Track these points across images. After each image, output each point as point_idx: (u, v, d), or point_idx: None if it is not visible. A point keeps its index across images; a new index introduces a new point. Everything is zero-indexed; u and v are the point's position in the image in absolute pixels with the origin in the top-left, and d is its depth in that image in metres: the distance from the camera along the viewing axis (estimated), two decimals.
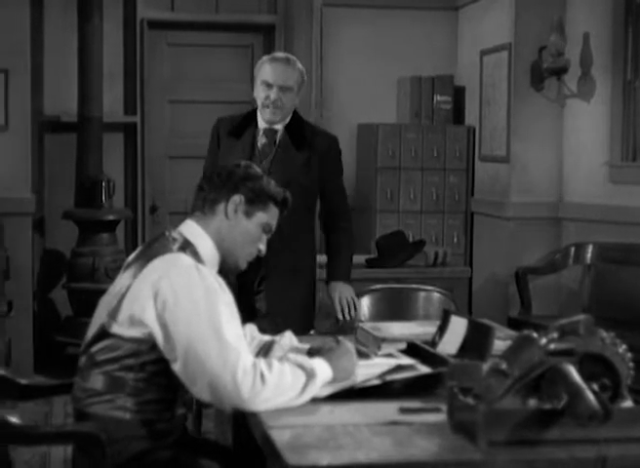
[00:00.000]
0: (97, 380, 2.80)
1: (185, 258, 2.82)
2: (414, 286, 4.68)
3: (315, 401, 2.72)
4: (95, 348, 2.82)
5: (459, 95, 7.55)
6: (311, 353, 2.95)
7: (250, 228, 3.01)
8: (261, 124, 4.32)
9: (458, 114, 7.55)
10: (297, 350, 3.07)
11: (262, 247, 3.07)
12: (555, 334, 2.48)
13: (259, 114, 4.33)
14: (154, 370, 2.78)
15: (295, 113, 4.35)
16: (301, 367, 2.72)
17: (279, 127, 4.31)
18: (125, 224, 7.30)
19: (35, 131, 6.87)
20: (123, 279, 2.87)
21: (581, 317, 2.54)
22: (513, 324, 5.75)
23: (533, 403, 2.41)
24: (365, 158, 7.37)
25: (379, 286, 4.58)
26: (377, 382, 2.83)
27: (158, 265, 2.79)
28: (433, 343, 3.21)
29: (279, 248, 3.94)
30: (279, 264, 4.16)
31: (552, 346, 2.45)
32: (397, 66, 7.52)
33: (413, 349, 3.20)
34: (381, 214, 7.23)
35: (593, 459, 2.31)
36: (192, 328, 2.68)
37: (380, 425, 2.52)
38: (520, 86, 6.75)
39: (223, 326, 2.68)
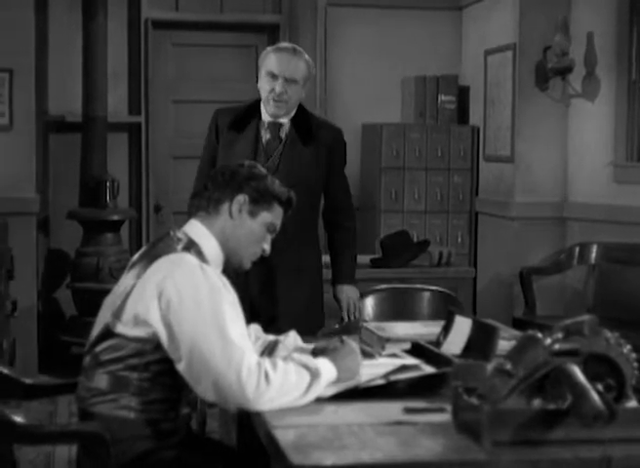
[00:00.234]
0: (101, 380, 2.81)
1: (190, 258, 2.82)
2: (418, 286, 4.67)
3: (319, 401, 2.72)
4: (99, 348, 2.82)
5: (463, 94, 7.55)
6: (315, 353, 2.95)
7: (254, 228, 3.00)
8: (265, 117, 4.15)
9: (462, 114, 7.55)
10: (301, 350, 3.06)
11: (267, 246, 3.07)
12: (560, 335, 2.48)
13: (262, 106, 4.17)
14: (158, 369, 2.78)
15: (300, 106, 4.19)
16: (306, 366, 2.71)
17: (284, 120, 4.15)
18: (129, 224, 7.31)
19: (40, 130, 6.87)
20: (127, 279, 2.87)
21: (586, 317, 2.54)
22: (518, 324, 5.75)
23: (537, 403, 2.41)
24: (369, 158, 7.37)
25: (383, 286, 4.57)
26: (381, 382, 2.83)
27: (162, 265, 2.79)
28: (438, 343, 3.21)
29: (283, 247, 3.92)
30: (282, 264, 4.09)
31: (557, 346, 2.44)
32: (401, 66, 7.52)
33: (417, 349, 3.19)
34: (386, 213, 7.22)
35: (598, 459, 2.31)
36: (197, 327, 2.68)
37: (384, 425, 2.52)
38: (524, 86, 6.75)
39: (228, 325, 2.68)
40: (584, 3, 6.61)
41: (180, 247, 2.87)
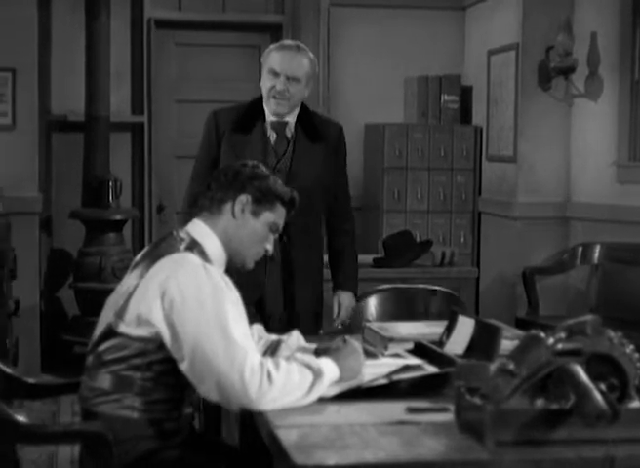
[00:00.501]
0: (104, 380, 2.81)
1: (193, 258, 2.82)
2: (421, 286, 4.67)
3: (322, 400, 2.72)
4: (102, 347, 2.82)
5: (466, 94, 7.54)
6: (318, 353, 2.95)
7: (257, 228, 3.00)
8: (269, 116, 4.06)
9: (465, 114, 7.54)
10: (304, 350, 3.06)
11: (270, 246, 3.07)
12: (563, 334, 2.48)
13: (264, 105, 4.08)
14: (161, 369, 2.78)
15: (301, 104, 4.10)
16: (309, 366, 2.71)
17: (289, 119, 4.07)
18: (132, 224, 7.31)
19: (42, 130, 6.87)
20: (130, 278, 2.87)
21: (589, 317, 2.54)
22: (520, 324, 5.75)
23: (540, 403, 2.41)
24: (372, 158, 7.37)
25: (386, 286, 4.57)
26: (384, 382, 2.83)
27: (165, 265, 2.79)
28: (440, 343, 3.21)
29: (303, 248, 4.00)
30: (298, 265, 4.06)
31: (560, 346, 2.44)
32: (404, 66, 7.52)
33: (420, 349, 3.19)
34: (388, 213, 7.22)
35: (601, 459, 2.31)
36: (199, 327, 2.68)
37: (387, 425, 2.52)
38: (527, 85, 6.75)
39: (231, 325, 2.68)
40: (588, 3, 6.60)
41: (182, 246, 2.87)
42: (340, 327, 4.22)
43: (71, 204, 6.93)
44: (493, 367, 2.61)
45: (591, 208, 6.60)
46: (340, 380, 2.78)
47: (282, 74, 3.97)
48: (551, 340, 2.45)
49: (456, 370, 2.89)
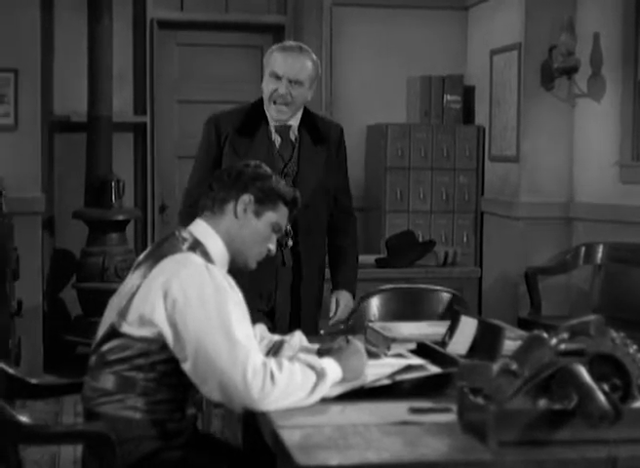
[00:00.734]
0: (107, 380, 2.81)
1: (195, 258, 2.82)
2: (423, 286, 4.67)
3: (325, 401, 2.72)
4: (105, 348, 2.82)
5: (468, 94, 7.54)
6: (321, 353, 2.95)
7: (259, 228, 3.00)
8: (271, 120, 3.97)
9: (467, 114, 7.54)
10: (306, 350, 3.06)
11: (272, 246, 3.07)
12: (565, 335, 2.48)
13: (266, 109, 3.99)
14: (164, 369, 2.78)
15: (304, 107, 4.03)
16: (312, 366, 2.71)
17: (292, 122, 3.98)
18: (135, 224, 7.31)
19: (45, 130, 6.87)
20: (133, 279, 2.87)
21: (592, 317, 2.53)
22: (523, 324, 5.75)
23: (543, 403, 2.40)
24: (374, 158, 7.36)
25: (388, 286, 4.57)
26: (386, 382, 2.83)
27: (168, 265, 2.79)
28: (443, 343, 3.21)
29: (311, 250, 3.97)
30: (308, 267, 4.01)
31: (562, 346, 2.44)
32: (407, 66, 7.52)
33: (423, 349, 3.19)
34: (391, 213, 7.22)
35: (604, 460, 2.30)
36: (202, 327, 2.68)
37: (390, 425, 2.52)
38: (530, 85, 6.74)
39: (234, 325, 2.68)
40: (590, 3, 6.60)
41: (185, 247, 2.87)
42: (332, 324, 4.19)
43: (74, 204, 6.94)
44: (495, 367, 2.61)
45: (594, 208, 6.59)
46: (343, 381, 2.78)
47: (284, 77, 3.88)
48: (554, 341, 2.45)
49: (458, 370, 2.89)
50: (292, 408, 2.64)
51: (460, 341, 3.15)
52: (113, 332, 2.81)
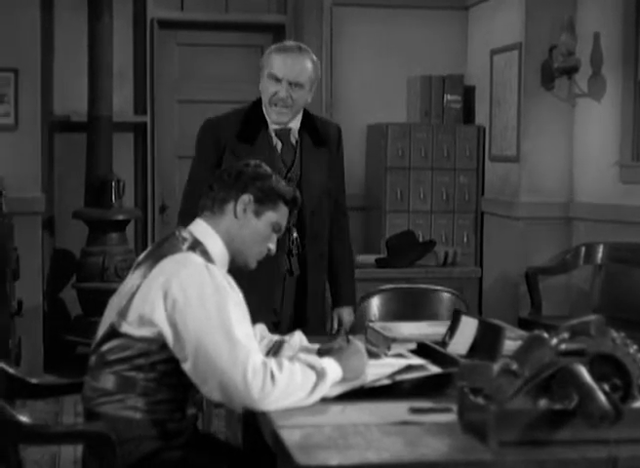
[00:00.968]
0: (107, 380, 2.81)
1: (195, 258, 2.82)
2: (424, 286, 4.67)
3: (325, 401, 2.72)
4: (105, 348, 2.82)
5: (469, 94, 7.54)
6: (321, 353, 2.95)
7: (259, 228, 3.00)
8: (271, 124, 3.86)
9: (468, 114, 7.54)
10: (306, 350, 3.06)
11: (272, 246, 3.06)
12: (566, 335, 2.48)
13: (265, 112, 3.87)
14: (165, 369, 2.78)
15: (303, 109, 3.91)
16: (312, 366, 2.71)
17: (292, 125, 3.87)
18: (135, 224, 7.31)
19: (45, 130, 6.87)
20: (133, 278, 2.87)
21: (592, 317, 2.53)
22: (523, 324, 5.74)
23: (543, 403, 2.40)
24: (374, 158, 7.36)
25: (388, 286, 4.56)
26: (387, 382, 2.83)
27: (168, 265, 2.79)
28: (443, 343, 3.21)
29: (317, 254, 3.89)
30: (313, 272, 3.91)
31: (563, 346, 2.44)
32: (407, 66, 7.51)
33: (423, 349, 3.19)
34: (391, 213, 7.22)
35: (604, 460, 2.30)
36: (202, 327, 2.68)
37: (390, 425, 2.51)
38: (530, 85, 6.74)
39: (234, 325, 2.68)
40: (591, 2, 6.60)
41: (185, 246, 2.87)
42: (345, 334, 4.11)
43: (74, 204, 6.94)
44: (496, 367, 2.61)
45: (594, 208, 6.59)
46: (343, 381, 2.78)
47: (284, 80, 3.76)
48: (554, 341, 2.45)
49: (459, 370, 2.89)
50: (292, 407, 2.64)
51: (461, 341, 3.15)
52: (113, 332, 2.81)
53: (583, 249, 6.47)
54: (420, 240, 6.54)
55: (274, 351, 3.12)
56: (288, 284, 3.90)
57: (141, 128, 7.34)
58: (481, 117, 7.45)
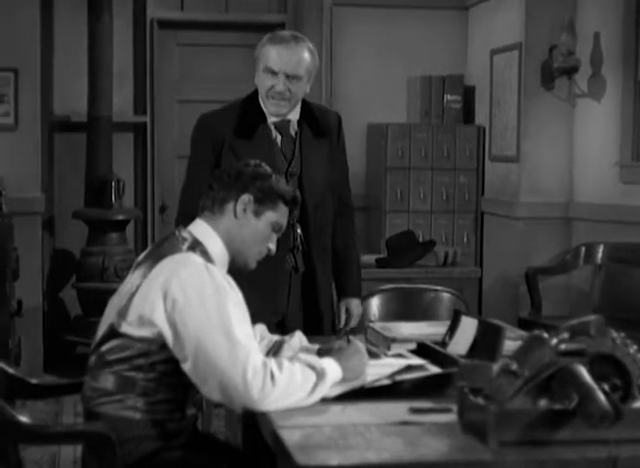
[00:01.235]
0: (107, 380, 2.80)
1: (195, 258, 2.82)
2: (423, 286, 4.67)
3: (325, 401, 2.72)
4: (104, 348, 2.82)
5: (469, 94, 7.54)
6: (321, 353, 2.95)
7: (259, 227, 3.00)
8: (269, 117, 3.73)
9: (468, 114, 7.54)
10: (306, 350, 3.06)
11: (272, 246, 3.06)
12: (566, 335, 2.47)
13: (262, 104, 3.74)
14: (164, 369, 2.78)
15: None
16: (312, 367, 2.71)
17: (291, 117, 3.74)
18: (135, 224, 7.31)
19: (45, 130, 6.87)
20: (133, 278, 2.87)
21: (592, 317, 2.53)
22: (523, 324, 5.74)
23: (543, 403, 2.40)
24: (374, 158, 7.36)
25: (388, 286, 4.56)
26: (387, 382, 2.83)
27: (168, 265, 2.79)
28: (443, 343, 3.21)
29: (322, 251, 3.82)
30: (320, 269, 3.83)
31: (563, 347, 2.44)
32: (407, 66, 7.51)
33: (423, 349, 3.19)
34: (391, 213, 7.21)
35: (604, 460, 2.30)
36: (202, 327, 2.68)
37: (390, 425, 2.51)
38: (530, 85, 6.74)
39: (234, 325, 2.68)
40: (591, 3, 6.60)
41: (185, 246, 2.87)
42: (344, 328, 4.00)
43: (74, 204, 6.93)
44: (496, 367, 2.61)
45: (594, 208, 6.59)
46: (343, 381, 2.77)
47: (281, 73, 3.63)
48: (554, 341, 2.45)
49: (459, 370, 2.88)
50: (292, 408, 2.64)
51: (461, 341, 3.15)
52: (113, 333, 2.81)
53: (583, 249, 6.46)
54: (420, 240, 6.54)
55: (274, 351, 3.12)
56: (294, 281, 3.83)
57: (141, 128, 7.34)
58: (481, 117, 7.45)
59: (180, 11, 7.45)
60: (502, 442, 2.34)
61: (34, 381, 3.14)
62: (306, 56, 3.67)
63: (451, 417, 2.56)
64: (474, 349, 3.10)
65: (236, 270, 3.01)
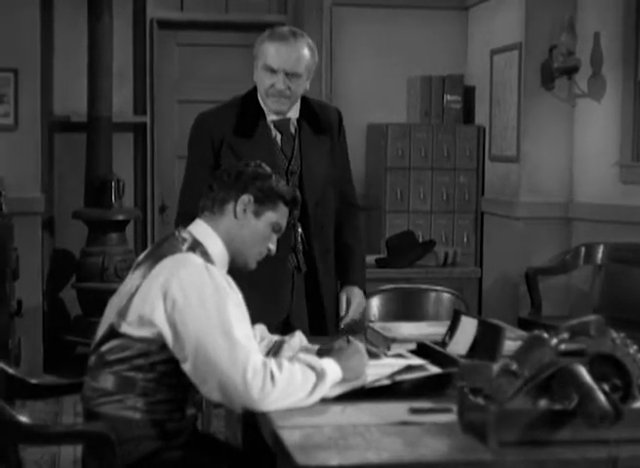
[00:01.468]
0: (107, 380, 2.80)
1: (195, 258, 2.82)
2: (423, 286, 4.67)
3: (325, 401, 2.71)
4: (104, 348, 2.82)
5: (469, 94, 7.54)
6: (321, 353, 2.95)
7: (259, 228, 3.00)
8: (269, 115, 3.69)
9: (468, 114, 7.54)
10: (306, 350, 3.06)
11: (272, 246, 3.06)
12: (566, 335, 2.47)
13: (261, 102, 3.69)
14: (164, 369, 2.78)
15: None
16: (312, 367, 2.71)
17: (291, 115, 3.71)
18: (134, 224, 7.31)
19: (45, 130, 6.87)
20: (133, 279, 2.87)
21: (592, 317, 2.53)
22: (523, 324, 5.74)
23: (543, 403, 2.40)
24: (374, 158, 7.36)
25: (388, 286, 4.56)
26: (386, 382, 2.83)
27: (167, 265, 2.79)
28: (443, 343, 3.20)
29: (324, 250, 3.78)
30: (323, 269, 3.79)
31: (563, 347, 2.44)
32: (407, 66, 7.51)
33: (423, 349, 3.19)
34: (391, 214, 7.22)
35: (604, 460, 2.30)
36: (202, 327, 2.68)
37: (390, 425, 2.51)
38: (530, 85, 6.74)
39: (233, 325, 2.68)
40: (591, 3, 6.60)
41: (185, 247, 2.87)
42: (346, 324, 3.90)
43: (74, 204, 6.94)
44: (496, 367, 2.61)
45: (594, 208, 6.59)
46: (343, 381, 2.77)
47: (280, 71, 3.58)
48: (554, 341, 2.45)
49: (459, 370, 2.88)
50: (292, 408, 2.64)
51: (461, 341, 3.15)
52: (113, 333, 2.81)
53: (583, 249, 6.46)
54: (420, 240, 6.53)
55: (274, 351, 3.12)
56: (297, 281, 3.79)
57: (141, 128, 7.34)
58: (481, 117, 7.45)
59: (179, 11, 7.45)
60: (502, 442, 2.34)
61: (34, 381, 3.14)
62: (306, 52, 3.63)
63: (451, 417, 2.55)
64: (474, 349, 3.10)
65: (236, 270, 3.01)
